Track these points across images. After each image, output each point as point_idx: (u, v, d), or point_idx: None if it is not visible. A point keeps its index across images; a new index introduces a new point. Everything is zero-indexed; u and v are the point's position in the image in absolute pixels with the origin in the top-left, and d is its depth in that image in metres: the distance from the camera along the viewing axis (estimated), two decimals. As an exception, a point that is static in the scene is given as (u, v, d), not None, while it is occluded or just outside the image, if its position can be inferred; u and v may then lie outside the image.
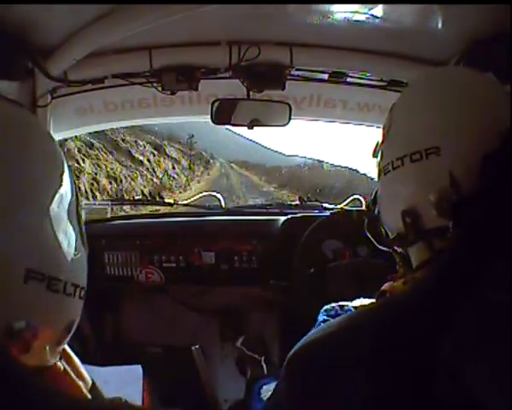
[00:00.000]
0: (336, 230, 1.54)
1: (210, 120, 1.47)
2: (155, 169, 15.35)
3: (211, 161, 27.35)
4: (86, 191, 9.15)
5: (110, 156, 12.02)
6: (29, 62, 1.17)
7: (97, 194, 9.56)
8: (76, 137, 8.67)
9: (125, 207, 4.79)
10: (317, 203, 1.93)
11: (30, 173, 0.47)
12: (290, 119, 1.45)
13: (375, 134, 1.56)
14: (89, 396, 0.58)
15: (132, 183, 11.91)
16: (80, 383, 0.58)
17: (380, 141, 0.72)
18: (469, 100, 0.62)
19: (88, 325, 1.66)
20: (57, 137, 1.51)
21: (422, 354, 0.49)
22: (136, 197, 2.18)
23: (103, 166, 10.96)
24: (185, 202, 1.93)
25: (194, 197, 1.94)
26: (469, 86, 0.64)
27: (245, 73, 1.34)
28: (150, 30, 1.07)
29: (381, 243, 0.75)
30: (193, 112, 1.63)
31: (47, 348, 0.50)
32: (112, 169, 11.26)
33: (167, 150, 18.19)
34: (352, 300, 0.77)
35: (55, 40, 1.15)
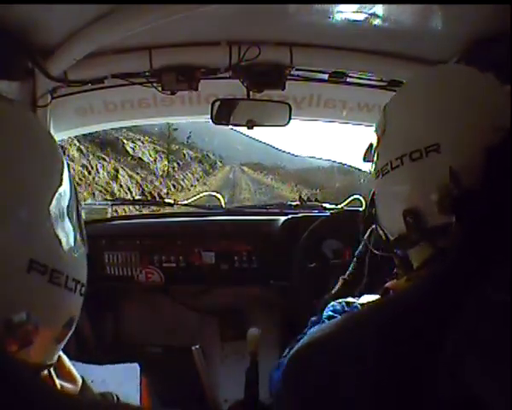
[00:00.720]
0: (336, 230, 1.54)
1: (210, 120, 1.47)
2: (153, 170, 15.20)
3: (218, 163, 26.95)
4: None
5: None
6: (29, 62, 1.17)
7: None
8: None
9: (124, 207, 4.79)
10: (317, 203, 1.93)
11: (30, 172, 0.47)
12: (290, 119, 1.45)
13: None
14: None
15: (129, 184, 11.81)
16: (68, 385, 0.58)
17: (373, 143, 0.71)
18: (465, 96, 0.62)
19: (88, 324, 1.65)
20: (57, 137, 1.51)
21: (424, 351, 0.49)
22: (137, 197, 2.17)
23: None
24: (185, 202, 1.93)
25: (195, 197, 1.94)
26: (465, 83, 0.64)
27: (245, 73, 1.34)
28: (150, 30, 1.07)
29: (378, 248, 0.75)
30: (193, 112, 1.63)
31: (47, 345, 0.50)
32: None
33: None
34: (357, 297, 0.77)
35: (55, 40, 1.15)
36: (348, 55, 1.32)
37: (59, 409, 0.40)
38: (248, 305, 1.83)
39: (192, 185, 17.04)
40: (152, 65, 1.31)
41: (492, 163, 0.54)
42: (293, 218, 1.71)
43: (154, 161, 15.55)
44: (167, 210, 1.98)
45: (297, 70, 1.37)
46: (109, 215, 1.88)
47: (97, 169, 10.56)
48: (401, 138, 0.64)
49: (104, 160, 11.30)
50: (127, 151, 13.96)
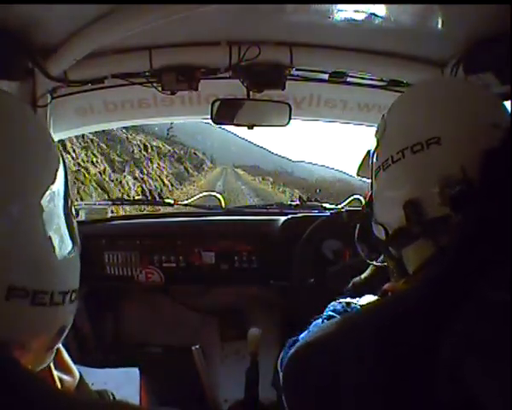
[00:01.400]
0: (336, 230, 1.54)
1: (210, 120, 1.47)
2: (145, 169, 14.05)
3: (206, 164, 25.54)
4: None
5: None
6: (29, 62, 1.17)
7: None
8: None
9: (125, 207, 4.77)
10: (317, 203, 1.93)
11: (21, 165, 0.45)
12: (290, 119, 1.45)
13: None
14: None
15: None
16: (66, 377, 0.58)
17: (372, 148, 0.72)
18: (466, 100, 0.65)
19: (88, 324, 1.65)
20: (57, 137, 1.51)
21: (423, 353, 0.49)
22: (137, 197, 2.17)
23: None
24: (185, 202, 1.93)
25: (195, 197, 1.94)
26: (461, 94, 0.67)
27: (245, 73, 1.34)
28: (150, 30, 1.07)
29: (374, 249, 0.75)
30: (193, 112, 1.63)
31: (38, 354, 0.48)
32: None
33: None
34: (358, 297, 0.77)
35: (55, 40, 1.15)
36: (348, 55, 1.32)
37: (58, 409, 0.40)
38: (248, 305, 1.83)
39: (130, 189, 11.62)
40: (152, 65, 1.31)
41: (492, 163, 0.54)
42: (293, 218, 1.71)
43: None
44: (167, 210, 1.98)
45: (297, 70, 1.37)
46: (109, 215, 1.88)
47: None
48: (402, 134, 0.65)
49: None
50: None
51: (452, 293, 0.50)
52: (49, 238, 0.46)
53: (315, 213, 1.78)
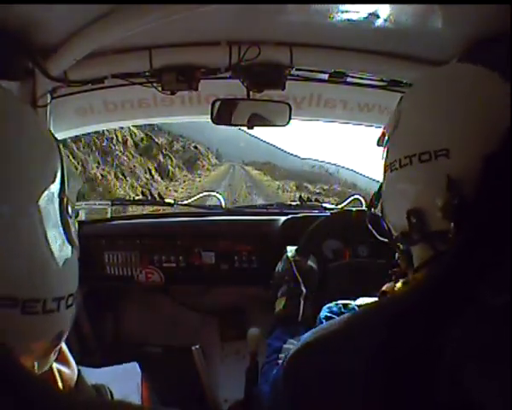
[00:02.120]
0: (336, 230, 1.54)
1: (210, 120, 1.47)
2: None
3: (205, 159, 23.99)
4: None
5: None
6: (29, 62, 1.17)
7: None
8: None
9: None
10: (317, 203, 1.93)
11: (19, 165, 0.44)
12: (290, 119, 1.45)
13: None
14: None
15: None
16: (65, 369, 0.57)
17: (386, 132, 0.71)
18: (477, 100, 0.61)
19: (88, 324, 1.65)
20: (57, 137, 1.51)
21: (423, 354, 0.49)
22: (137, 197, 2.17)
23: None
24: (185, 202, 1.93)
25: (195, 197, 1.94)
26: (477, 85, 0.63)
27: (245, 73, 1.34)
28: (150, 30, 1.07)
29: (382, 235, 0.75)
30: (193, 112, 1.63)
31: (36, 359, 0.48)
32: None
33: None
34: (353, 299, 0.77)
35: (55, 40, 1.15)
36: (348, 55, 1.32)
37: (58, 409, 0.40)
38: (248, 305, 1.83)
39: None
40: (152, 65, 1.31)
41: (492, 167, 0.54)
42: (293, 218, 1.70)
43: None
44: (167, 210, 1.98)
45: (297, 70, 1.37)
46: (109, 215, 1.88)
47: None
48: (412, 137, 0.64)
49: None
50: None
51: (451, 296, 0.50)
52: (45, 244, 0.44)
53: (315, 213, 1.78)
